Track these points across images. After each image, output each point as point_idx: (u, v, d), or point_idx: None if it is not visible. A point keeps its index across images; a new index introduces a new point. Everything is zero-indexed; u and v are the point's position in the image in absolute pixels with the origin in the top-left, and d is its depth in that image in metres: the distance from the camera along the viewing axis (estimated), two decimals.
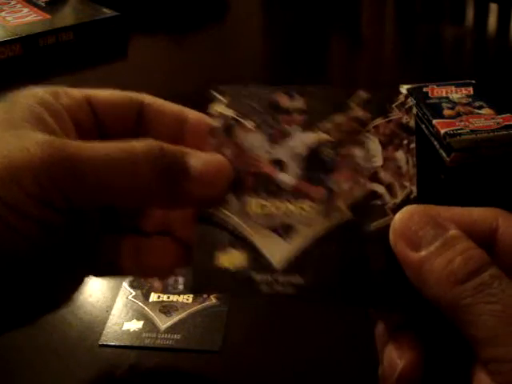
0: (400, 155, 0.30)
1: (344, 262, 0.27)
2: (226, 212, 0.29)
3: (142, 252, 0.31)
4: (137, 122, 0.32)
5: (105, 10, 0.90)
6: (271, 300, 0.42)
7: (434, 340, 0.28)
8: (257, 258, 0.28)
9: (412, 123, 0.31)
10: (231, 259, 0.28)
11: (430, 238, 0.26)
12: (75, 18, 0.89)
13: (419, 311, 0.27)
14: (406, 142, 0.30)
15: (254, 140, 0.29)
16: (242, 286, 0.27)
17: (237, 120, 0.29)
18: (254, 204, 0.28)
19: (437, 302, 0.25)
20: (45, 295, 0.30)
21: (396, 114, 0.31)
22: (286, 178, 0.28)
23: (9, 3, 0.93)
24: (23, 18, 0.88)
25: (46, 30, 0.84)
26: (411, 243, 0.26)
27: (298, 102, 0.30)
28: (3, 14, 0.89)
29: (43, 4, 0.93)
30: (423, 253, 0.25)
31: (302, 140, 0.29)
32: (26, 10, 0.91)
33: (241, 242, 0.28)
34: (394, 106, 0.31)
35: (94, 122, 0.31)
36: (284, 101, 0.30)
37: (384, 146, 0.30)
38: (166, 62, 0.86)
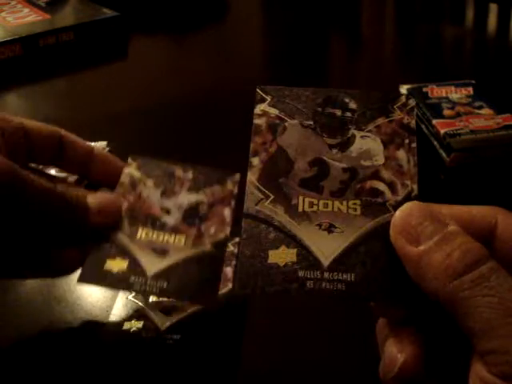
0: (401, 154, 0.30)
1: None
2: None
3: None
4: (58, 150, 0.41)
5: (105, 10, 0.90)
6: (271, 300, 0.42)
7: (433, 333, 0.28)
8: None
9: (413, 123, 0.31)
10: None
11: (429, 233, 0.26)
12: (75, 18, 0.89)
13: (419, 306, 0.27)
14: (407, 141, 0.31)
15: (152, 194, 0.40)
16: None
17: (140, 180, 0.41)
18: (143, 232, 0.38)
19: (435, 296, 0.25)
20: None
21: (397, 115, 0.31)
22: (170, 220, 0.39)
23: (9, 3, 0.93)
24: (23, 18, 0.88)
25: (46, 30, 0.84)
26: (411, 238, 0.26)
27: (188, 174, 0.41)
28: (3, 14, 0.89)
29: (43, 4, 0.93)
30: (422, 247, 0.26)
31: (186, 197, 0.40)
32: (26, 10, 0.91)
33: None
34: (395, 106, 0.32)
35: (25, 148, 0.39)
36: (179, 172, 0.41)
37: (385, 145, 0.31)
38: (166, 61, 0.86)
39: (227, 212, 0.39)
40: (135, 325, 0.41)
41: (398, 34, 1.01)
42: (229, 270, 0.46)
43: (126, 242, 0.37)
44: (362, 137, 0.31)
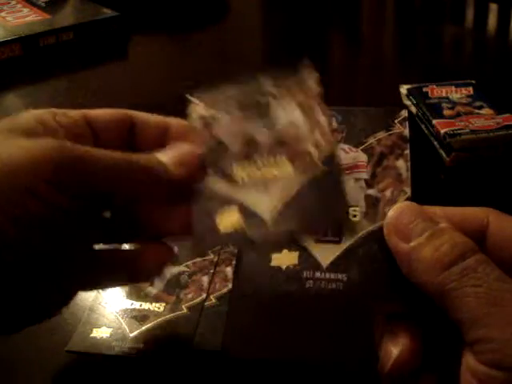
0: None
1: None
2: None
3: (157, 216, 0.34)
4: (128, 136, 0.37)
5: (105, 10, 0.90)
6: (271, 300, 0.42)
7: (428, 328, 0.28)
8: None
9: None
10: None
11: (419, 230, 0.27)
12: (75, 18, 0.89)
13: (414, 302, 0.28)
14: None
15: None
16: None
17: None
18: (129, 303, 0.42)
19: (426, 289, 0.26)
20: (38, 302, 0.31)
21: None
22: (153, 290, 0.44)
23: (9, 3, 0.93)
24: (23, 18, 0.88)
25: (46, 30, 0.84)
26: (402, 236, 0.27)
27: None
28: (3, 14, 0.89)
29: (43, 4, 0.93)
30: (413, 243, 0.26)
31: (169, 270, 0.45)
32: (26, 10, 0.91)
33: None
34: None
35: (90, 137, 0.36)
36: None
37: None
38: (166, 62, 0.86)
39: (205, 279, 0.45)
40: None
41: (398, 34, 1.01)
42: (229, 270, 0.46)
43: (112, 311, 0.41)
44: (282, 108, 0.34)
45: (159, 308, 0.43)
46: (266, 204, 0.30)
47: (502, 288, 0.24)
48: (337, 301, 0.29)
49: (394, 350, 0.27)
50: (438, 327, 0.28)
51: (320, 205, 0.30)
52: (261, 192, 0.31)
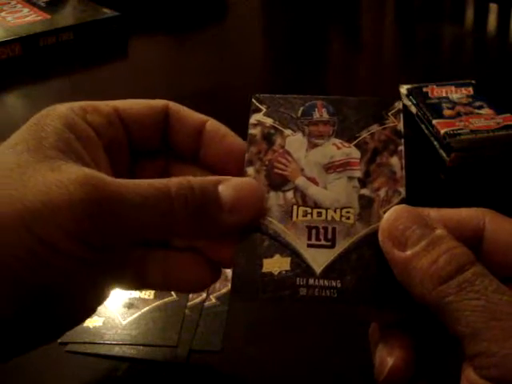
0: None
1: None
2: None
3: (170, 266, 0.31)
4: (163, 131, 0.33)
5: (105, 10, 0.90)
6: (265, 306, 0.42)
7: (425, 337, 0.28)
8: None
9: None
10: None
11: (416, 237, 0.26)
12: (75, 18, 0.89)
13: (410, 310, 0.27)
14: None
15: None
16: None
17: None
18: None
19: (423, 301, 0.25)
20: (71, 314, 0.30)
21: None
22: None
23: (9, 3, 0.93)
24: (23, 18, 0.88)
25: (46, 30, 0.84)
26: (398, 243, 0.26)
27: None
28: (3, 14, 0.89)
29: (43, 4, 0.92)
30: (409, 252, 0.26)
31: None
32: (26, 9, 0.91)
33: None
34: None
35: (124, 136, 0.33)
36: None
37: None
38: (166, 62, 0.86)
39: None
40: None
41: (398, 34, 1.01)
42: (228, 270, 0.46)
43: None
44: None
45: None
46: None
47: (501, 301, 0.24)
48: (331, 309, 0.28)
49: (389, 359, 0.27)
50: (433, 336, 0.28)
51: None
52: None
